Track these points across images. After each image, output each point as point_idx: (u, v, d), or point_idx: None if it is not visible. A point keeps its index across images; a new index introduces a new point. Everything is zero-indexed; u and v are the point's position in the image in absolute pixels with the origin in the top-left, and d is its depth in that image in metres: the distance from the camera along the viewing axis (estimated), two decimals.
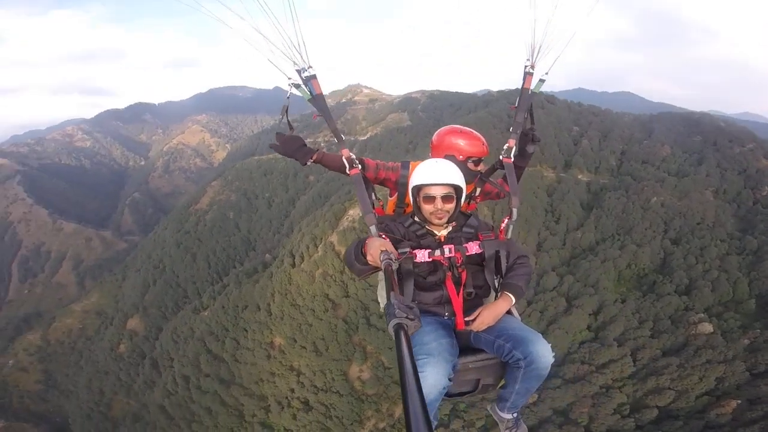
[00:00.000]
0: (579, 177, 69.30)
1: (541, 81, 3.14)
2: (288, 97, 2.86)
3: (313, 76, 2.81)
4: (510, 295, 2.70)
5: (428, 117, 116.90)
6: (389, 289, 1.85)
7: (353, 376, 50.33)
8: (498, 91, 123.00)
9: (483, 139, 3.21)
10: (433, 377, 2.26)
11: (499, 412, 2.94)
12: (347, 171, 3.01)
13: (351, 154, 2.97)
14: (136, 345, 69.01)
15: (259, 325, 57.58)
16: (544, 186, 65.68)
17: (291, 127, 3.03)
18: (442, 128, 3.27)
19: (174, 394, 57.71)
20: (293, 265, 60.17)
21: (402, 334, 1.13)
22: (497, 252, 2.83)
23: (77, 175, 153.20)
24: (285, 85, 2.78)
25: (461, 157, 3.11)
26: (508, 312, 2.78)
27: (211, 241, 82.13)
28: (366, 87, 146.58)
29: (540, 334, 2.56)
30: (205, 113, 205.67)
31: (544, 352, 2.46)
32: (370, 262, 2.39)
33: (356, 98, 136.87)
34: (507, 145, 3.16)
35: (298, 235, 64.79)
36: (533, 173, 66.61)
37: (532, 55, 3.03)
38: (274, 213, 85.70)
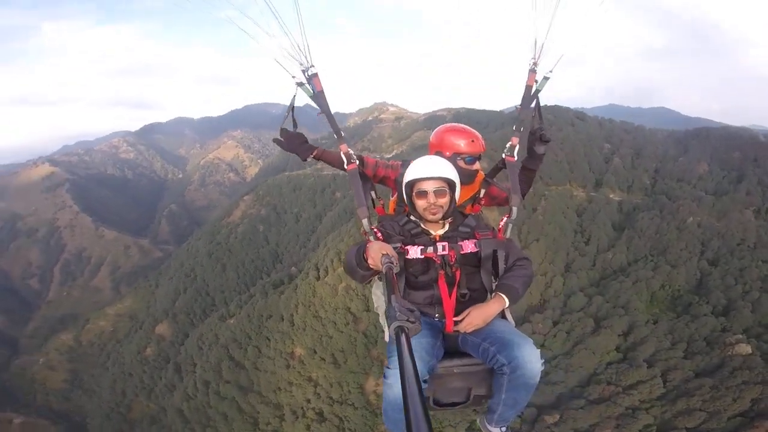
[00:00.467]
0: (610, 196, 67.24)
1: (546, 78, 3.04)
2: (294, 96, 2.97)
3: (315, 75, 2.88)
4: (504, 296, 2.55)
5: None
6: (390, 292, 1.79)
7: (369, 390, 49.90)
8: None
9: (476, 136, 3.11)
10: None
11: (488, 425, 2.73)
12: (345, 166, 3.03)
13: (349, 149, 3.02)
14: (162, 349, 70.97)
15: (282, 335, 58.27)
16: (574, 206, 64.06)
17: (295, 125, 3.13)
18: (440, 126, 3.25)
19: (193, 399, 58.73)
20: (318, 278, 60.97)
21: (403, 337, 1.14)
22: (495, 252, 2.69)
23: (120, 186, 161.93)
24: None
25: (448, 153, 3.05)
26: (503, 316, 2.66)
27: (241, 253, 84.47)
28: (392, 105, 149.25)
29: (530, 339, 2.40)
30: (240, 129, 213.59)
31: (530, 358, 2.30)
32: (371, 267, 2.34)
33: (382, 116, 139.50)
34: (510, 143, 3.07)
35: (324, 249, 65.69)
36: (562, 192, 65.32)
37: (536, 53, 2.95)
38: (301, 227, 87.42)
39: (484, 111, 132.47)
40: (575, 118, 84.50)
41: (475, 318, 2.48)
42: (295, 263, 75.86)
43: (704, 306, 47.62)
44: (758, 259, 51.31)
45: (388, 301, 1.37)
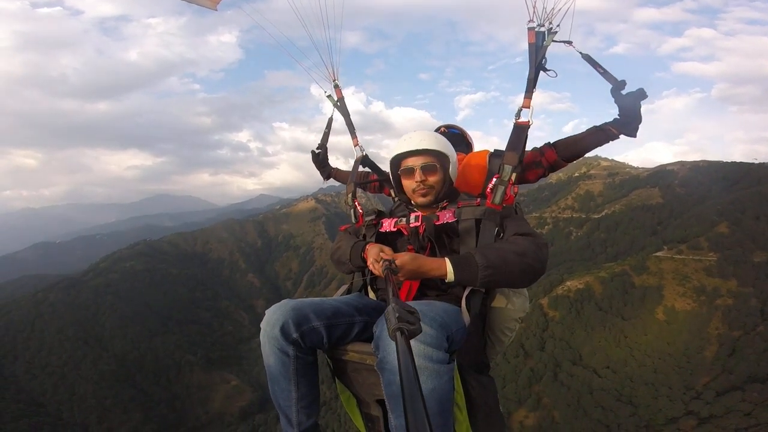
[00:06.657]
0: None
1: (552, 33, 2.35)
2: (332, 116, 3.31)
3: (337, 86, 3.23)
4: (447, 260, 1.88)
5: (689, 193, 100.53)
6: (390, 294, 1.39)
7: (516, 419, 50.41)
8: None
9: (458, 126, 3.22)
10: (269, 313, 1.90)
11: None
12: (357, 155, 3.09)
13: (361, 145, 3.09)
14: None
15: None
16: None
17: (326, 141, 3.41)
18: None
19: None
20: None
21: (403, 339, 1.03)
22: (479, 223, 2.09)
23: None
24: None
25: None
26: (456, 305, 1.96)
27: None
28: (605, 159, 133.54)
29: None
30: None
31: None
32: (370, 267, 2.03)
33: (592, 171, 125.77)
34: (521, 105, 2.34)
35: None
36: None
37: (535, 16, 2.37)
38: None
39: (734, 163, 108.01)
40: None
41: (409, 260, 1.85)
42: None
43: None
44: None
45: (388, 303, 1.16)
